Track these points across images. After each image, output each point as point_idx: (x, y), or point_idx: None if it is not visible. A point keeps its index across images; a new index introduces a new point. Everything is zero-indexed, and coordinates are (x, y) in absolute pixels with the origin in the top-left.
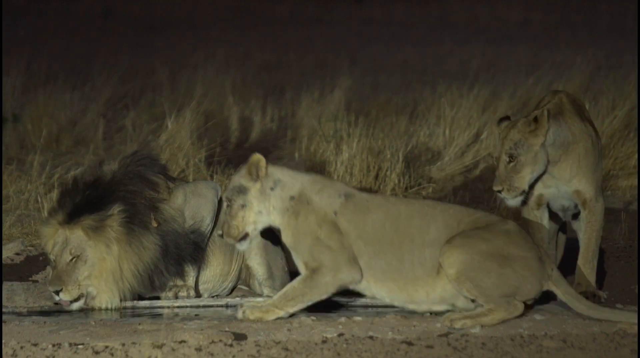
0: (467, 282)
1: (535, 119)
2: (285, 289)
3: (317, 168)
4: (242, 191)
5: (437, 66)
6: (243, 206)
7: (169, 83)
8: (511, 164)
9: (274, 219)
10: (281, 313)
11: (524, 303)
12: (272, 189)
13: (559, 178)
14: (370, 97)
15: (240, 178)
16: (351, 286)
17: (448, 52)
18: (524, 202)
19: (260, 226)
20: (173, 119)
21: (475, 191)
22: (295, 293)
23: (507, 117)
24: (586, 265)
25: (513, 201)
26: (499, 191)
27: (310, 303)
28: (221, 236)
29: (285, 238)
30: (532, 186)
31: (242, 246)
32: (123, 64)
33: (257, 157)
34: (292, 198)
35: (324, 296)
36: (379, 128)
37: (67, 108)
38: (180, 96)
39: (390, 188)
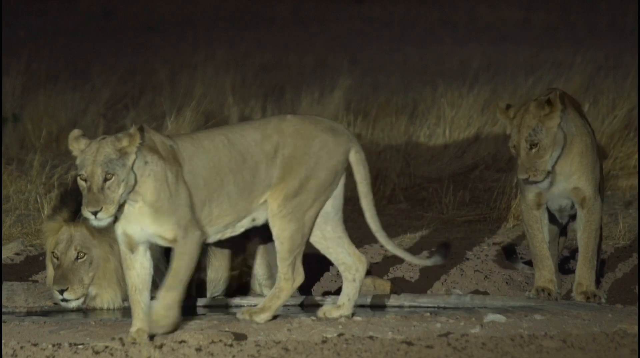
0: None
1: (549, 101)
2: (164, 283)
3: None
4: (124, 163)
5: (437, 66)
6: (123, 180)
7: (169, 83)
8: (533, 150)
9: (137, 189)
10: (164, 309)
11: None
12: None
13: (559, 173)
14: (370, 97)
15: (121, 147)
16: None
17: (448, 52)
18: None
19: (123, 199)
20: (173, 119)
21: (475, 191)
22: (173, 279)
23: (509, 106)
24: (586, 264)
25: (543, 184)
26: (525, 179)
27: (189, 276)
28: (94, 214)
29: (149, 205)
30: (554, 165)
31: (106, 222)
32: (123, 64)
33: (139, 127)
34: (146, 162)
35: (194, 264)
36: (379, 128)
37: (67, 108)
38: (180, 96)
39: (390, 188)
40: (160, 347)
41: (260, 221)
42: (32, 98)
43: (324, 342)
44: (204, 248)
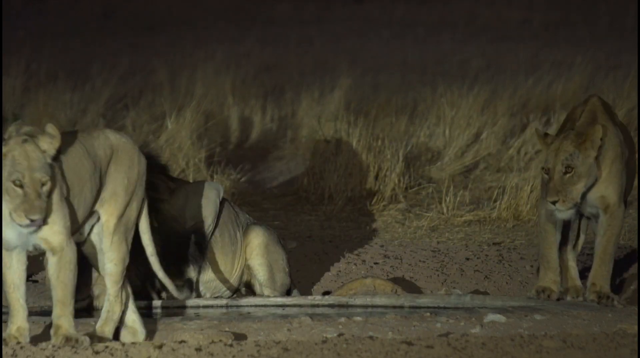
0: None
1: (590, 137)
2: (56, 298)
3: (317, 168)
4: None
5: (437, 66)
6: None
7: (169, 83)
8: (567, 175)
9: None
10: (70, 321)
11: None
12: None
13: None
14: (370, 97)
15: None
16: None
17: (448, 52)
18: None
19: None
20: (173, 119)
21: (475, 191)
22: (65, 294)
23: (547, 134)
24: (602, 266)
25: (566, 214)
26: (554, 202)
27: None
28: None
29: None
30: (583, 197)
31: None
32: (123, 64)
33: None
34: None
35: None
36: (379, 128)
37: (67, 108)
38: (180, 96)
39: (390, 188)
40: (160, 347)
41: (85, 235)
42: (32, 98)
43: (324, 342)
44: (205, 248)
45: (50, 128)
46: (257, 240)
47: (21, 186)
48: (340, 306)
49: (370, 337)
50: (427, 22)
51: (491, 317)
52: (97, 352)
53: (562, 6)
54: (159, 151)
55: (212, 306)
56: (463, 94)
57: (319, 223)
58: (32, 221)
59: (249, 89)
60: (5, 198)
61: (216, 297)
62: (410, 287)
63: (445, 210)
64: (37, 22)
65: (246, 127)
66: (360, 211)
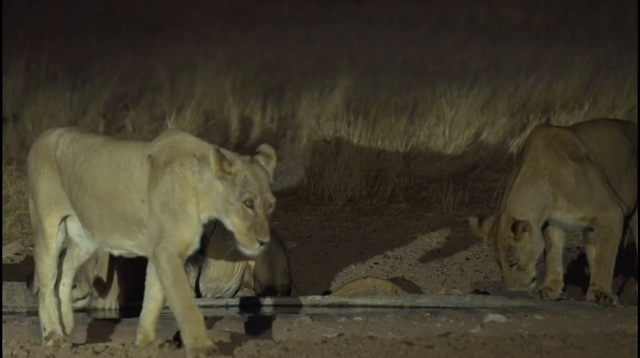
0: None
1: (514, 228)
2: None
3: (317, 168)
4: None
5: (437, 66)
6: None
7: (169, 83)
8: (514, 267)
9: None
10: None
11: None
12: None
13: (560, 218)
14: (370, 97)
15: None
16: None
17: (448, 52)
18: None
19: None
20: (173, 119)
21: (475, 191)
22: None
23: (481, 218)
24: (600, 267)
25: (531, 288)
26: (515, 290)
27: None
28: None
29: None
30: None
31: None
32: (123, 64)
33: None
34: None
35: None
36: (379, 128)
37: (67, 108)
38: (180, 96)
39: (391, 188)
40: (161, 346)
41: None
42: (32, 98)
43: (324, 342)
44: (204, 249)
45: (267, 148)
46: None
47: (251, 208)
48: (340, 306)
49: (370, 337)
50: (427, 22)
51: (491, 317)
52: (97, 352)
53: (562, 6)
54: None
55: (212, 307)
56: (463, 94)
57: (319, 223)
58: (261, 244)
59: (249, 89)
60: (232, 219)
61: (216, 297)
62: (410, 287)
63: (445, 210)
64: (37, 22)
65: (246, 127)
66: (360, 211)
